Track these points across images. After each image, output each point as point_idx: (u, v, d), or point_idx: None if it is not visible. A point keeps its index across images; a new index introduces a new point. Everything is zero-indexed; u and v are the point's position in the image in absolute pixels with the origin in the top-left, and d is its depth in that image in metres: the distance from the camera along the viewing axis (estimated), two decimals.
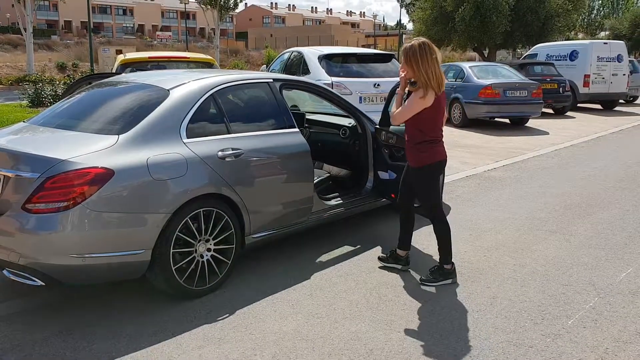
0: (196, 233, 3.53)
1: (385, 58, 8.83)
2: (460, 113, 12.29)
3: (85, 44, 40.58)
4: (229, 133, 3.87)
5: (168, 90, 3.76)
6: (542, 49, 17.84)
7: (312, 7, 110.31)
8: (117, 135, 3.38)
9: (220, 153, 3.69)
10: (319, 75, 8.32)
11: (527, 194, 6.34)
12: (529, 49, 20.75)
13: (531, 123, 12.86)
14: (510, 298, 3.59)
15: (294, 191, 4.21)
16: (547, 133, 11.60)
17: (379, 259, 4.20)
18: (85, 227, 3.09)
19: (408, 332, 3.16)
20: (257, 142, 3.99)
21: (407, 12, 45.34)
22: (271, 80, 4.39)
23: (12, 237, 3.11)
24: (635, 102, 18.96)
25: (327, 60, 8.61)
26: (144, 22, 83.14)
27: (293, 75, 7.68)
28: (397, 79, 9.15)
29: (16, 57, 34.31)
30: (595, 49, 16.01)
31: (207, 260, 3.63)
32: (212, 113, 3.88)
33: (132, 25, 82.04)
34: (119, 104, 3.83)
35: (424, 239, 4.72)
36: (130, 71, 7.26)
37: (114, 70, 7.53)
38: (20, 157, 3.26)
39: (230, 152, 3.75)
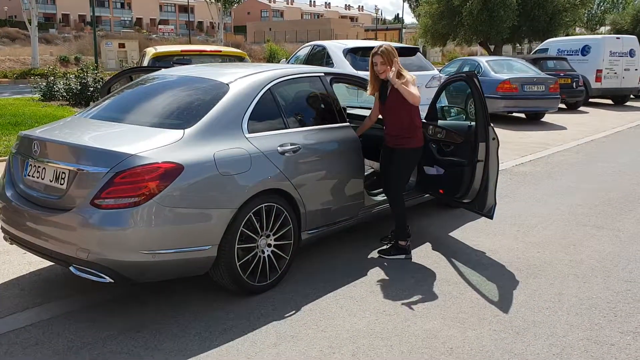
0: (258, 228, 3.48)
1: (410, 52, 8.74)
2: None
3: (85, 38, 40.26)
4: (286, 128, 3.81)
5: (227, 84, 3.70)
6: (553, 43, 17.79)
7: (310, 1, 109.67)
8: (182, 130, 3.31)
9: (280, 148, 3.64)
10: (344, 69, 8.23)
11: (562, 189, 6.31)
12: (533, 45, 20.70)
13: (547, 118, 12.82)
14: (576, 295, 3.55)
15: (347, 186, 4.16)
16: (564, 128, 11.57)
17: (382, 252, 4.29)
18: (156, 223, 3.02)
19: (483, 329, 3.11)
20: (313, 137, 3.93)
21: (410, 6, 45.07)
22: (323, 74, 4.34)
23: (80, 233, 3.03)
24: None
25: (352, 54, 8.54)
26: (142, 15, 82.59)
27: None
28: (423, 72, 8.98)
29: (16, 51, 33.97)
30: (608, 43, 15.98)
31: (268, 255, 3.57)
32: (270, 107, 3.81)
33: (130, 19, 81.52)
34: (178, 98, 3.76)
35: (473, 235, 4.69)
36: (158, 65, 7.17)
37: (145, 64, 7.44)
38: (86, 151, 3.18)
39: (289, 147, 3.70)
